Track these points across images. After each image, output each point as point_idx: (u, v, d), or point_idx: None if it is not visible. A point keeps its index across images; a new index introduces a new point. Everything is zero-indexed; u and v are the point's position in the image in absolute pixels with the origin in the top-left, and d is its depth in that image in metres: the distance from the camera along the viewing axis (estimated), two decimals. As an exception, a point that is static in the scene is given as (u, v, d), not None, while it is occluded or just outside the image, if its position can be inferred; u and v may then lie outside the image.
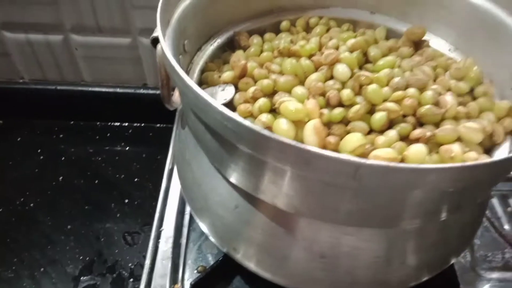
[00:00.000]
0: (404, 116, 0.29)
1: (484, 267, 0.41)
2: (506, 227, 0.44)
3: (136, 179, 0.55)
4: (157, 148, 0.57)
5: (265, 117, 0.28)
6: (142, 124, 0.61)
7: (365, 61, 0.35)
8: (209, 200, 0.28)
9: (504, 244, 0.43)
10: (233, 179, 0.25)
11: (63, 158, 0.57)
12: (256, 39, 0.36)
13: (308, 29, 0.39)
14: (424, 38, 0.39)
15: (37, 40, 0.54)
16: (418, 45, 0.38)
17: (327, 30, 0.38)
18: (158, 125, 0.61)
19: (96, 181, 0.55)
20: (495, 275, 0.41)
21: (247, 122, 0.19)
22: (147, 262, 0.35)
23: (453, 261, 0.31)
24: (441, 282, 0.38)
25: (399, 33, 0.39)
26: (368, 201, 0.21)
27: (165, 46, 0.22)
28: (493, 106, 0.31)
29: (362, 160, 0.17)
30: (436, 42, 0.39)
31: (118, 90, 0.58)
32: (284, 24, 0.39)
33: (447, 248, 0.28)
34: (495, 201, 0.46)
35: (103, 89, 0.58)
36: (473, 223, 0.31)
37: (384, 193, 0.20)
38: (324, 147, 0.27)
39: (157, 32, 0.24)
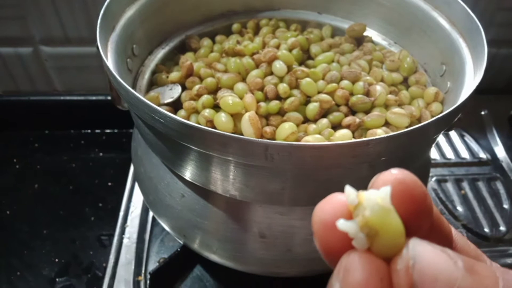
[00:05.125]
0: (338, 105, 0.32)
1: (437, 246, 0.43)
2: (459, 208, 0.47)
3: (109, 184, 0.57)
4: (130, 153, 0.59)
5: (207, 112, 0.30)
6: (115, 130, 0.63)
7: (307, 57, 0.37)
8: (159, 192, 0.30)
9: (456, 224, 0.45)
10: (172, 166, 0.27)
11: (38, 167, 0.59)
12: (206, 42, 0.38)
13: (258, 31, 0.42)
14: (368, 34, 0.41)
15: (8, 53, 0.56)
16: (361, 41, 0.41)
17: (274, 31, 0.40)
18: (131, 130, 0.63)
19: (71, 187, 0.57)
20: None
21: (163, 111, 0.21)
22: (111, 256, 0.37)
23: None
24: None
25: (344, 31, 0.42)
26: (287, 180, 0.23)
27: (101, 51, 0.25)
28: (423, 93, 0.34)
29: (269, 141, 0.19)
30: (378, 38, 0.41)
31: (90, 97, 0.60)
32: (235, 26, 0.41)
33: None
34: (449, 185, 0.49)
35: (75, 98, 0.60)
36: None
37: (298, 172, 0.22)
38: (261, 136, 0.29)
39: (98, 39, 0.26)
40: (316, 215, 0.12)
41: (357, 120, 0.30)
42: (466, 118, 0.55)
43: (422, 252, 0.11)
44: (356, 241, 0.11)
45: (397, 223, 0.11)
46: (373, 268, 0.11)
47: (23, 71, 0.58)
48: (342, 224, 0.11)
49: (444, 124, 0.24)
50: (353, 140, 0.19)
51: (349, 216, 0.12)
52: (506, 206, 0.46)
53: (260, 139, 0.20)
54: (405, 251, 0.11)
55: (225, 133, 0.20)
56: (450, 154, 0.51)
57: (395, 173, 0.12)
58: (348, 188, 0.12)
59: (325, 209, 0.12)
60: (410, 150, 0.24)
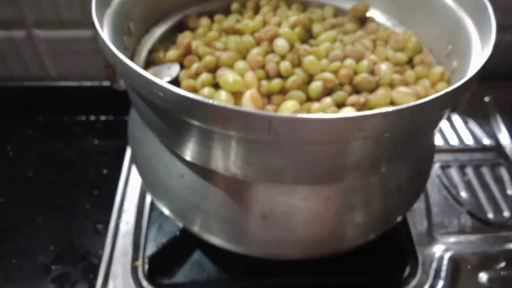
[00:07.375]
0: (342, 85, 0.31)
1: (440, 232, 0.42)
2: (463, 194, 0.46)
3: (105, 172, 0.56)
4: (126, 140, 0.57)
5: (206, 90, 0.29)
6: (111, 117, 0.62)
7: (309, 37, 0.36)
8: (157, 173, 0.29)
9: (460, 210, 0.45)
10: (171, 146, 0.26)
11: (32, 154, 0.58)
12: (204, 21, 0.37)
13: (258, 11, 0.41)
14: (371, 15, 0.40)
15: (0, 37, 0.54)
16: (364, 22, 0.40)
17: (275, 11, 0.39)
18: (126, 117, 0.62)
19: (65, 175, 0.56)
20: (451, 239, 0.42)
21: (162, 83, 0.20)
22: (108, 242, 0.36)
23: (398, 219, 0.32)
24: (396, 245, 0.40)
25: (346, 12, 0.40)
26: (291, 156, 0.22)
27: (97, 24, 0.23)
28: (429, 73, 0.33)
29: (273, 113, 0.18)
30: (382, 18, 0.40)
31: (85, 83, 0.58)
32: (234, 6, 0.40)
33: (389, 205, 0.29)
34: (453, 171, 0.48)
35: (69, 83, 0.58)
36: (416, 180, 0.32)
37: (302, 147, 0.21)
38: (263, 115, 0.28)
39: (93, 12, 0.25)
40: None
41: (362, 99, 0.29)
42: (469, 104, 0.54)
43: None
44: None
45: None
46: None
47: (16, 55, 0.56)
48: None
49: (452, 99, 0.23)
50: (360, 112, 0.18)
51: None
52: (509, 192, 0.46)
53: (264, 111, 0.19)
54: None
55: (227, 105, 0.19)
56: (453, 141, 0.51)
57: None
58: None
59: None
60: (416, 127, 0.24)
